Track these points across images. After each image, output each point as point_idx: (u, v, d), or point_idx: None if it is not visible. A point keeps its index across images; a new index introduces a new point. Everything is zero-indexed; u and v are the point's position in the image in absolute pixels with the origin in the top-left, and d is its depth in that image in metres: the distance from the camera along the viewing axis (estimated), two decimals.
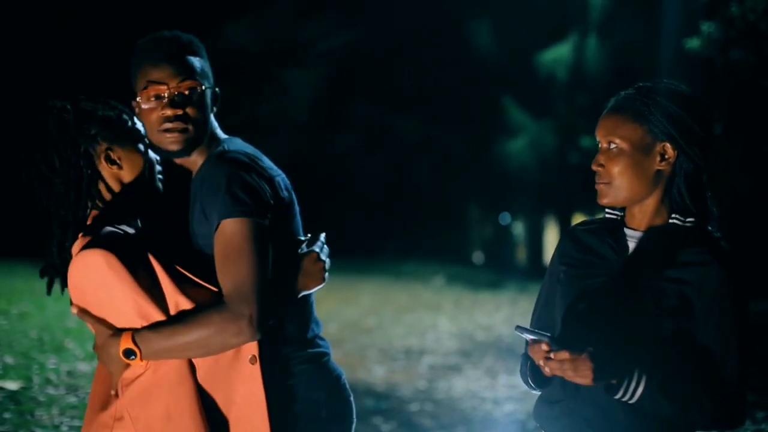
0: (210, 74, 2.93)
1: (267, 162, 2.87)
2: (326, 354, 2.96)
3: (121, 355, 2.59)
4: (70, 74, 26.73)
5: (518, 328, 2.61)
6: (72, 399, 8.06)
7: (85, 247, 2.63)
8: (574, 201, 31.74)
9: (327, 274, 2.89)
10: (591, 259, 2.84)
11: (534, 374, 2.77)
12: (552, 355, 2.52)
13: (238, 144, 2.90)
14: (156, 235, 2.84)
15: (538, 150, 29.52)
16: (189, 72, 2.84)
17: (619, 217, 2.86)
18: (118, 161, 2.78)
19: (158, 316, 2.61)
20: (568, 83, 29.04)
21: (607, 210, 2.87)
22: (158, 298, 2.62)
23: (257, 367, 2.71)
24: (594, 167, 2.77)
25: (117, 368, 2.64)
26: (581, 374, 2.49)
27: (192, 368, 2.68)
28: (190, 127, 2.82)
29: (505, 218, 41.33)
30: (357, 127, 31.42)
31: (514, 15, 30.28)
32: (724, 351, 2.71)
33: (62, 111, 2.78)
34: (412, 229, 34.82)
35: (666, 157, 2.73)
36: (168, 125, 2.80)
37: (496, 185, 33.85)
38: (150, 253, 2.67)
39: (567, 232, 3.00)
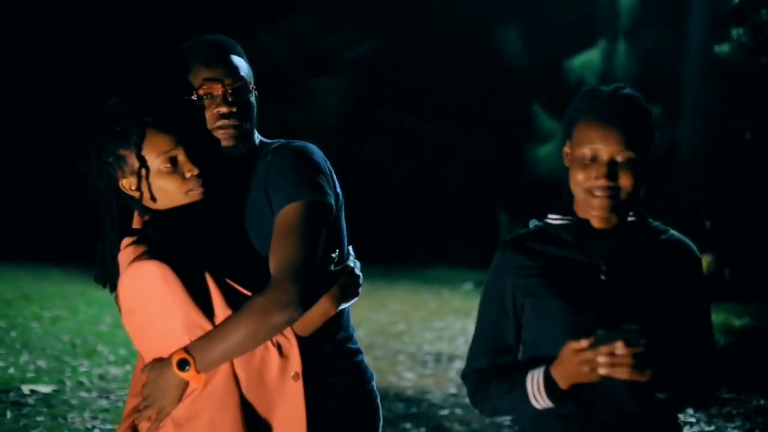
0: (252, 76, 3.01)
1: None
2: (361, 352, 3.01)
3: (175, 368, 2.59)
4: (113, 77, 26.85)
5: (601, 332, 2.52)
6: (104, 402, 8.12)
7: (138, 258, 2.63)
8: None
9: (361, 288, 2.92)
10: (561, 266, 2.83)
11: (550, 389, 2.66)
12: (619, 351, 2.46)
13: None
14: (207, 242, 2.86)
15: None
16: (241, 70, 2.92)
17: (573, 221, 2.89)
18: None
19: (207, 327, 2.63)
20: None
21: (551, 216, 2.95)
22: (209, 312, 2.64)
23: (300, 384, 2.72)
24: (607, 183, 2.72)
25: (171, 399, 2.64)
26: (641, 370, 2.48)
27: (237, 381, 2.69)
28: (243, 124, 2.89)
29: (533, 224, 41.21)
30: (385, 134, 31.41)
31: (542, 21, 30.26)
32: (708, 337, 2.83)
33: (102, 117, 2.79)
34: (441, 235, 34.74)
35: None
36: (223, 122, 2.86)
37: (524, 191, 33.75)
38: (203, 265, 2.69)
39: (506, 248, 2.96)
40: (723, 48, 13.63)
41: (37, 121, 31.08)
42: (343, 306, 2.86)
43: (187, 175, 2.77)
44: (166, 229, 2.78)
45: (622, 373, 2.48)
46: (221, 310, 2.65)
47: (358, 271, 2.91)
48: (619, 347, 2.47)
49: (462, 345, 12.86)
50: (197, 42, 2.98)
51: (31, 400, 7.97)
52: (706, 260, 21.99)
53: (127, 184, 2.77)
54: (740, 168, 17.52)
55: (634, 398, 2.69)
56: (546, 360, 2.69)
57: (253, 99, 2.95)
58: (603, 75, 28.71)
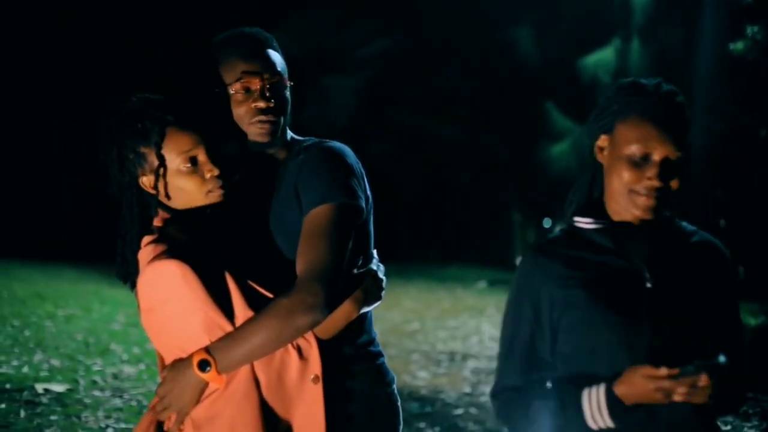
0: (287, 71, 2.97)
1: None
2: (382, 355, 2.98)
3: (195, 368, 2.55)
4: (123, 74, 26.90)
5: (691, 368, 2.41)
6: (117, 402, 8.11)
7: (158, 257, 2.61)
8: None
9: (384, 292, 2.90)
10: (602, 274, 2.68)
11: (613, 409, 2.51)
12: (703, 383, 2.38)
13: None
14: (229, 241, 2.84)
15: (580, 154, 29.35)
16: (278, 65, 2.90)
17: (607, 224, 2.73)
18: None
19: (227, 327, 2.59)
20: (611, 87, 28.91)
21: (581, 219, 2.77)
22: (229, 313, 2.60)
23: (319, 387, 2.69)
24: (660, 184, 2.59)
25: (189, 399, 2.61)
26: (703, 392, 2.41)
27: (257, 382, 2.66)
28: (279, 119, 2.86)
29: (547, 223, 41.18)
30: (398, 133, 31.36)
31: (555, 19, 30.20)
32: (741, 340, 2.76)
33: (124, 113, 2.76)
34: (455, 234, 34.73)
35: None
36: (260, 117, 2.82)
37: (538, 190, 33.70)
38: (223, 264, 2.66)
39: (538, 255, 2.81)
40: (738, 46, 13.54)
41: (48, 118, 31.11)
42: (366, 310, 2.83)
43: (207, 175, 2.73)
44: (186, 227, 2.76)
45: (697, 399, 2.43)
46: (241, 311, 2.62)
47: (381, 275, 2.88)
48: (703, 380, 2.39)
49: (476, 344, 12.85)
50: (234, 34, 2.94)
51: (44, 399, 7.97)
52: None
53: (147, 181, 2.74)
54: (755, 166, 17.43)
55: (693, 412, 2.60)
56: (597, 376, 2.56)
57: (288, 95, 2.91)
58: (617, 73, 28.64)
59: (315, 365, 2.69)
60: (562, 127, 29.91)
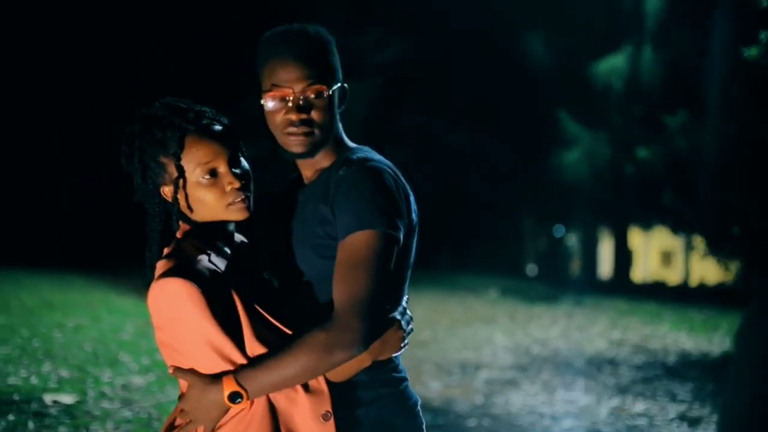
0: (338, 70, 2.79)
1: (403, 178, 2.77)
2: (405, 379, 2.84)
3: (226, 400, 2.46)
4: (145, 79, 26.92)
5: None
6: (127, 413, 8.03)
7: (166, 273, 2.50)
8: (629, 213, 31.47)
9: (406, 342, 2.79)
10: None
11: None
12: None
13: (376, 154, 2.80)
14: (244, 262, 2.74)
15: (592, 162, 29.32)
16: (316, 74, 2.71)
17: None
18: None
19: (233, 355, 2.49)
20: (624, 94, 28.82)
21: None
22: (235, 336, 2.50)
23: (331, 424, 2.59)
24: None
25: (214, 418, 2.52)
26: None
27: (273, 406, 2.57)
28: (316, 131, 2.71)
29: (559, 230, 41.11)
30: (409, 139, 31.33)
31: (568, 25, 30.17)
32: None
33: (146, 120, 2.67)
34: (466, 242, 34.71)
35: None
36: (292, 129, 2.69)
37: (549, 197, 33.67)
38: (234, 286, 2.56)
39: None
40: (751, 51, 13.46)
41: (57, 124, 31.14)
42: (380, 359, 2.71)
43: (228, 188, 2.63)
44: (205, 242, 2.66)
45: None
46: (249, 336, 2.51)
47: (405, 325, 2.77)
48: None
49: (488, 353, 12.74)
50: (277, 35, 2.79)
51: (53, 411, 7.89)
52: (734, 266, 21.79)
53: (168, 191, 2.66)
54: None
55: None
56: None
57: (334, 102, 2.75)
58: (629, 79, 28.61)
59: (325, 401, 2.59)
60: (574, 134, 29.86)
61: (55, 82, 30.34)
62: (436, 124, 31.15)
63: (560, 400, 9.61)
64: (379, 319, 2.56)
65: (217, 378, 2.47)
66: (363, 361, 2.60)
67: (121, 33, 29.61)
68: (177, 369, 2.51)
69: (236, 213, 2.65)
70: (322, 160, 2.78)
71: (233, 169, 2.65)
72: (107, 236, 29.43)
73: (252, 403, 2.52)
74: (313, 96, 2.69)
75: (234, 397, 2.44)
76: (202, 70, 29.94)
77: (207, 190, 2.62)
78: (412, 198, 2.74)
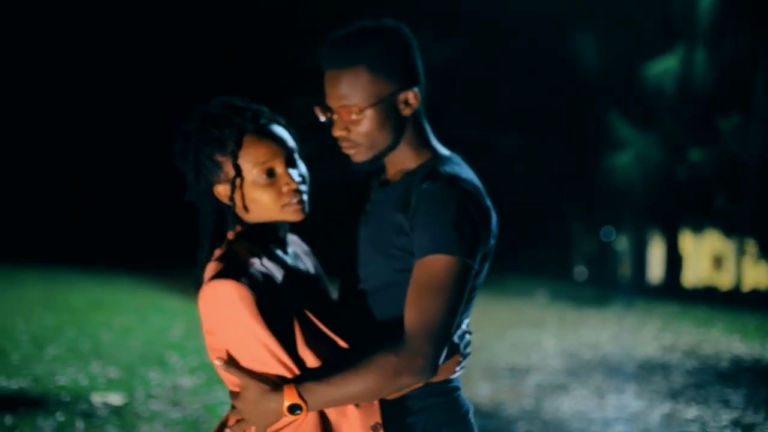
0: (392, 72, 2.61)
1: (487, 197, 2.66)
2: (458, 388, 2.77)
3: (285, 411, 2.39)
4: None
5: None
6: (175, 414, 8.01)
7: (218, 275, 2.45)
8: (681, 216, 31.20)
9: (462, 366, 2.73)
10: None
11: None
12: None
13: (466, 169, 2.69)
14: (297, 266, 2.70)
15: (643, 164, 29.10)
16: (348, 92, 2.57)
17: None
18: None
19: (285, 361, 2.42)
20: (676, 96, 28.58)
21: None
22: (286, 342, 2.43)
23: None
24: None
25: (268, 423, 2.44)
26: None
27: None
28: (363, 146, 2.62)
29: (608, 233, 40.85)
30: (456, 141, 31.04)
31: (619, 27, 29.96)
32: None
33: (203, 118, 2.61)
34: (514, 245, 34.56)
35: None
36: (342, 144, 2.63)
37: (599, 200, 33.47)
38: (285, 293, 2.51)
39: None
40: None
41: (115, 124, 31.40)
42: (434, 381, 2.64)
43: (284, 189, 2.57)
44: (258, 244, 2.60)
45: None
46: (300, 342, 2.46)
47: (462, 349, 2.71)
48: None
49: (537, 357, 12.64)
50: (328, 39, 2.65)
51: (101, 411, 7.90)
52: None
53: (222, 191, 2.60)
54: None
55: None
56: None
57: (378, 115, 2.59)
58: (681, 81, 28.36)
59: (375, 413, 2.52)
60: (625, 136, 29.65)
61: (104, 83, 30.60)
62: (484, 127, 31.04)
63: (611, 405, 9.49)
64: (447, 346, 2.49)
65: (276, 385, 2.41)
66: (417, 383, 2.53)
67: (178, 31, 29.82)
68: (233, 367, 2.43)
69: (292, 214, 2.60)
70: (405, 160, 2.70)
71: (290, 170, 2.60)
72: (155, 237, 29.64)
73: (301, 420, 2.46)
74: (347, 116, 2.59)
75: (294, 409, 2.37)
76: (246, 69, 30.07)
77: (263, 190, 2.56)
78: (494, 221, 2.64)
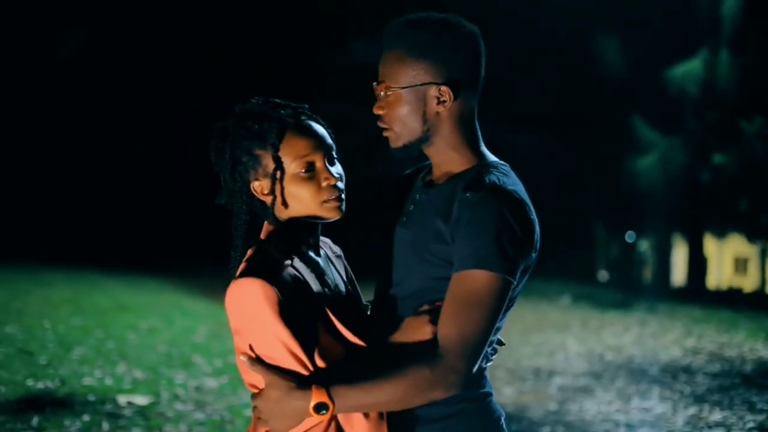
0: (429, 63, 2.62)
1: (532, 208, 2.63)
2: (490, 394, 2.75)
3: (311, 410, 2.37)
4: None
5: None
6: (200, 415, 8.05)
7: (245, 273, 2.44)
8: (704, 220, 31.05)
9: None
10: None
11: None
12: None
13: (512, 179, 2.66)
14: (329, 270, 2.69)
15: (666, 167, 28.99)
16: (389, 72, 2.64)
17: None
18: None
19: (306, 363, 2.41)
20: (699, 99, 28.46)
21: None
22: (308, 345, 2.42)
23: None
24: None
25: (289, 425, 2.43)
26: None
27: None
28: (395, 129, 2.65)
29: (631, 237, 40.72)
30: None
31: (642, 30, 29.85)
32: None
33: (241, 114, 2.63)
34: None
35: None
36: (379, 124, 2.67)
37: (622, 203, 33.35)
38: (314, 296, 2.51)
39: None
40: None
41: (142, 125, 31.48)
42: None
43: (324, 183, 2.57)
44: (288, 244, 2.60)
45: None
46: (322, 347, 2.45)
47: (490, 356, 2.71)
48: None
49: (561, 360, 12.62)
50: (389, 25, 2.71)
51: (127, 412, 7.94)
52: None
53: (259, 187, 2.59)
54: None
55: None
56: None
57: (400, 101, 2.63)
58: (705, 84, 28.23)
59: (382, 428, 2.51)
60: (649, 139, 29.54)
61: (139, 84, 30.72)
62: (505, 129, 30.98)
63: (635, 408, 9.47)
64: (481, 356, 2.48)
65: (303, 383, 2.40)
66: (446, 397, 2.53)
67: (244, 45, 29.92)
68: (257, 363, 2.42)
69: (330, 211, 2.59)
70: (449, 162, 2.69)
71: (329, 167, 2.61)
72: (180, 239, 29.72)
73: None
74: (382, 94, 2.65)
75: (320, 408, 2.36)
76: (276, 69, 30.08)
77: (303, 184, 2.56)
78: (537, 234, 2.61)
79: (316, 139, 2.60)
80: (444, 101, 2.62)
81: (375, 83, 2.67)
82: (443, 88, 2.61)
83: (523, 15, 29.89)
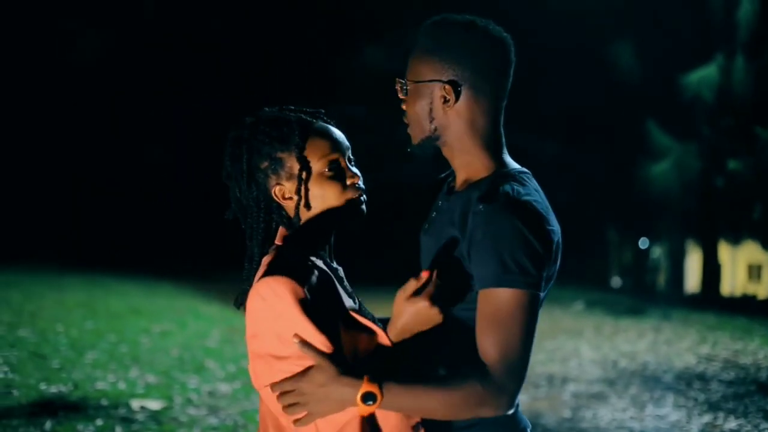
0: (442, 61, 2.60)
1: (553, 216, 2.57)
2: (517, 405, 2.71)
3: (358, 398, 2.34)
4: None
5: None
6: (213, 420, 8.04)
7: (267, 273, 2.42)
8: (719, 226, 30.96)
9: None
10: None
11: None
12: None
13: (530, 188, 2.58)
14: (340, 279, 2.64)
15: (681, 173, 28.94)
16: (410, 66, 2.66)
17: None
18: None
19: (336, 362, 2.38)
20: (714, 105, 28.39)
21: None
22: (334, 339, 2.40)
23: None
24: None
25: (326, 411, 2.39)
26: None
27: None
28: (410, 125, 2.66)
29: (644, 243, 40.65)
30: None
31: (657, 36, 29.80)
32: None
33: (258, 121, 2.61)
34: None
35: None
36: (405, 120, 2.68)
37: (636, 209, 33.29)
38: (336, 295, 2.50)
39: None
40: None
41: (164, 131, 31.53)
42: None
43: (348, 182, 2.58)
44: (306, 246, 2.58)
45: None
46: (347, 346, 2.43)
47: None
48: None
49: (575, 367, 12.58)
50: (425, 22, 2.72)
51: (140, 416, 7.93)
52: None
53: (281, 191, 2.57)
54: None
55: None
56: None
57: (412, 98, 2.64)
58: (720, 90, 28.15)
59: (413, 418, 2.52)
60: (663, 145, 29.47)
61: (148, 87, 30.76)
62: (520, 135, 30.97)
63: (650, 415, 9.43)
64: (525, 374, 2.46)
65: (353, 371, 2.37)
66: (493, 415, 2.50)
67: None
68: (305, 345, 2.36)
69: (356, 210, 2.59)
70: (468, 168, 2.66)
71: (351, 167, 2.61)
72: (194, 244, 29.76)
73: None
74: (401, 89, 2.67)
75: (368, 398, 2.33)
76: (246, 69, 30.11)
77: (328, 184, 2.56)
78: (556, 244, 2.53)
79: (338, 139, 2.60)
80: (448, 101, 2.60)
81: (401, 80, 2.69)
82: (447, 87, 2.59)
83: (538, 21, 29.87)
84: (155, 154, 31.48)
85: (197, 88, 30.47)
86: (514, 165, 2.70)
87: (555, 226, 2.54)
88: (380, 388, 2.33)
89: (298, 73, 30.88)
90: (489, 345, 2.38)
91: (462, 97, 2.60)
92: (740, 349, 15.36)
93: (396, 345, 2.50)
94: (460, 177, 2.68)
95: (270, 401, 2.45)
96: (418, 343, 2.51)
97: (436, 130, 2.63)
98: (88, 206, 31.68)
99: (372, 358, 2.48)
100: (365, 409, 2.35)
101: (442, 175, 2.91)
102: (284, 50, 31.18)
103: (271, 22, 30.97)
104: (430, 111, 2.62)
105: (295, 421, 2.41)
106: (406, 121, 2.66)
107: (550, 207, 2.58)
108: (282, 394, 2.40)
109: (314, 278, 2.45)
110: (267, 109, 2.67)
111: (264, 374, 2.44)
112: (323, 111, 2.69)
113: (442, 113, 2.61)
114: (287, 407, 2.40)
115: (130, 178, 31.52)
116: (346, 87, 30.32)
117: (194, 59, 30.87)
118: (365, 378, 2.33)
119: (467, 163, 2.65)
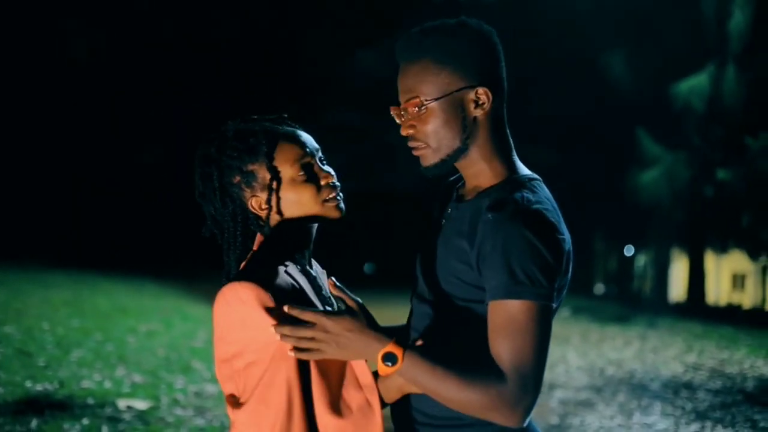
0: (461, 66, 2.49)
1: (563, 225, 2.51)
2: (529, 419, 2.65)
3: (379, 355, 2.31)
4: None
5: None
6: (199, 421, 8.01)
7: (235, 278, 2.40)
8: (706, 235, 31.04)
9: None
10: None
11: None
12: None
13: (540, 196, 2.52)
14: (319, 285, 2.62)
15: (671, 182, 28.99)
16: (417, 84, 2.49)
17: None
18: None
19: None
20: (705, 115, 28.46)
21: None
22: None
23: None
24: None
25: (350, 353, 2.34)
26: None
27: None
28: (431, 145, 2.52)
29: (629, 250, 40.74)
30: None
31: (649, 45, 29.88)
32: None
33: (224, 136, 2.58)
34: None
35: None
36: (410, 144, 2.55)
37: (624, 217, 33.35)
38: (309, 301, 2.47)
39: None
40: None
41: (134, 134, 31.51)
42: None
43: (323, 182, 2.56)
44: (281, 250, 2.55)
45: None
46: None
47: None
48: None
49: (562, 373, 12.58)
50: (400, 38, 2.58)
51: (127, 416, 7.90)
52: None
53: (257, 203, 2.55)
54: None
55: None
56: None
57: (434, 114, 2.50)
58: (711, 100, 28.22)
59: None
60: (653, 153, 29.52)
61: (140, 85, 30.74)
62: (515, 141, 31.09)
63: (637, 423, 9.42)
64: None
65: (378, 329, 2.35)
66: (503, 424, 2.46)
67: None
68: (341, 289, 2.36)
69: (332, 210, 2.57)
70: (479, 175, 2.59)
71: (323, 167, 2.59)
72: (181, 243, 29.72)
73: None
74: (415, 110, 2.50)
75: (389, 358, 2.30)
76: (246, 69, 30.09)
77: (303, 187, 2.54)
78: (566, 251, 2.46)
79: (306, 142, 2.58)
80: (482, 103, 2.50)
81: (398, 104, 2.55)
82: (480, 89, 2.49)
83: (530, 30, 29.93)
84: (148, 154, 31.45)
85: (197, 88, 30.45)
86: (524, 171, 2.64)
87: (566, 234, 2.48)
88: (404, 353, 2.30)
89: (297, 73, 30.88)
90: (503, 351, 2.33)
91: (491, 99, 2.52)
92: (726, 358, 15.39)
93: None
94: (471, 184, 2.61)
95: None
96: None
97: (467, 139, 2.53)
98: (75, 204, 31.62)
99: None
100: (382, 369, 2.31)
101: (451, 179, 2.84)
102: (284, 50, 31.18)
103: (270, 22, 30.96)
104: (462, 120, 2.51)
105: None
106: (418, 142, 2.52)
107: (561, 215, 2.52)
108: (300, 330, 2.32)
109: (283, 284, 2.42)
110: (230, 122, 2.64)
111: (226, 379, 2.41)
112: (287, 115, 2.67)
113: (473, 120, 2.52)
114: (302, 343, 2.33)
115: (119, 179, 31.47)
116: (346, 88, 30.38)
117: (194, 59, 30.85)
118: (393, 339, 2.31)
119: (481, 170, 2.57)
